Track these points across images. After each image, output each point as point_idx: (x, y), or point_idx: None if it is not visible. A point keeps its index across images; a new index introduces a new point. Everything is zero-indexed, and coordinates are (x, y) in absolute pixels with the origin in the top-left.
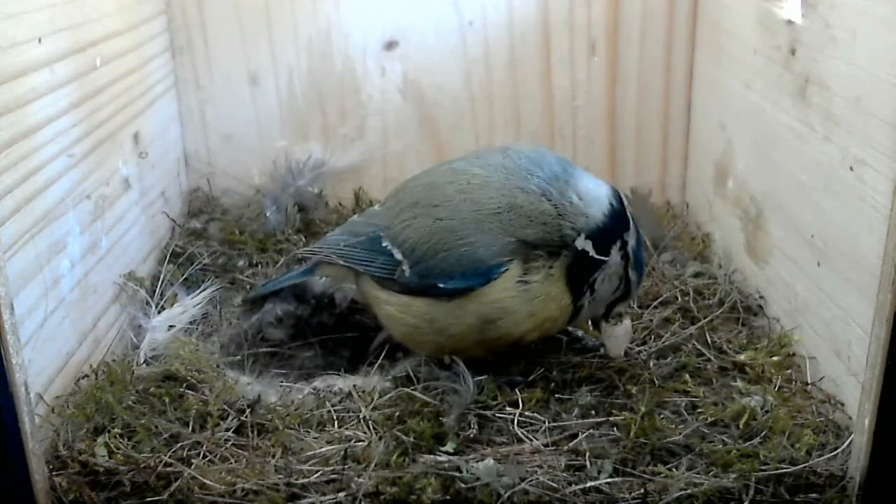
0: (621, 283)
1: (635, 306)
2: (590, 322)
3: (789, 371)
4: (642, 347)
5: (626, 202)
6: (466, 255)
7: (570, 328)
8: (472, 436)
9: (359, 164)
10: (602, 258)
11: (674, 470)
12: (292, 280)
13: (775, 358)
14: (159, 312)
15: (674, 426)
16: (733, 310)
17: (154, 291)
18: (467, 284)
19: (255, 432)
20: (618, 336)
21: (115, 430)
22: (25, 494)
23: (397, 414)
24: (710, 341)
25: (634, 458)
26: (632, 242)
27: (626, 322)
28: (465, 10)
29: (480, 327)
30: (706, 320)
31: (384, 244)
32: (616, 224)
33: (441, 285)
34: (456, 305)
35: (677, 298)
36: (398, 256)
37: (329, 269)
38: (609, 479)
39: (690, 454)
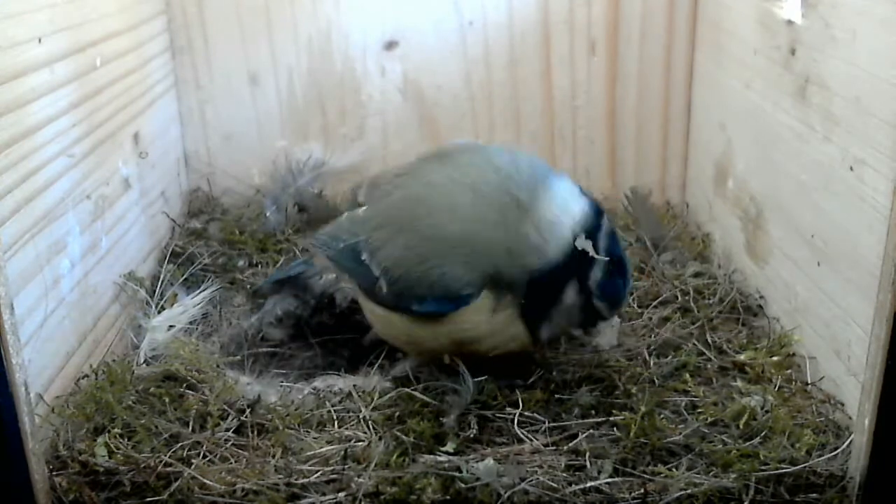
0: (585, 314)
1: (635, 305)
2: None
3: (789, 371)
4: (641, 345)
5: (600, 234)
6: (438, 283)
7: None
8: (472, 436)
9: (359, 164)
10: (555, 293)
11: (674, 470)
12: (299, 268)
13: (775, 358)
14: (159, 312)
15: (674, 426)
16: (733, 310)
17: (154, 291)
18: (439, 309)
19: (255, 432)
20: (604, 333)
21: (115, 430)
22: (25, 494)
23: (397, 414)
24: (710, 341)
25: (634, 458)
26: (596, 276)
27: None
28: (465, 10)
29: (454, 346)
30: (706, 320)
31: (363, 258)
32: (572, 263)
33: (415, 308)
34: (431, 326)
35: (677, 298)
36: (376, 272)
37: (328, 262)
38: (609, 479)
39: (690, 454)
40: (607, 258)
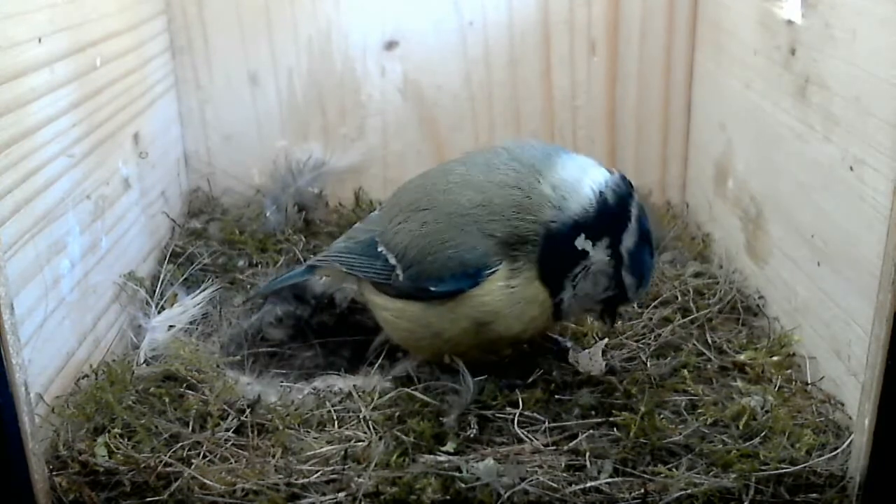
0: (612, 284)
1: (635, 305)
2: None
3: (789, 371)
4: (641, 345)
5: (632, 201)
6: (454, 258)
7: (556, 336)
8: (472, 436)
9: (359, 164)
10: (581, 251)
11: (674, 470)
12: (294, 279)
13: (775, 358)
14: (159, 312)
15: (674, 426)
16: (733, 310)
17: (154, 291)
18: (457, 287)
19: (255, 432)
20: (584, 361)
21: (115, 430)
22: (25, 494)
23: (397, 414)
24: (709, 341)
25: (634, 458)
26: (628, 243)
27: (594, 347)
28: (465, 10)
29: (475, 330)
30: (706, 320)
31: (379, 249)
32: (601, 219)
33: (432, 288)
34: (448, 309)
35: (677, 298)
36: (392, 261)
37: (329, 270)
38: (609, 479)
39: (690, 454)
40: (641, 226)
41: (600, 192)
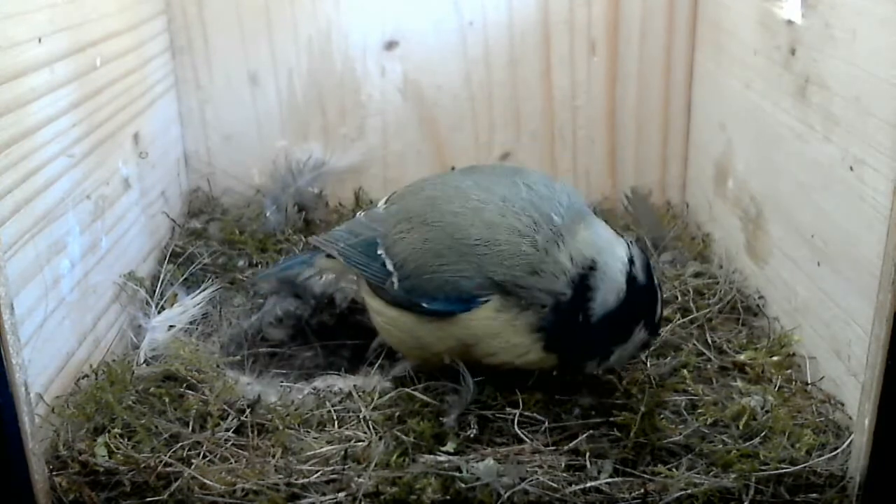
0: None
1: None
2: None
3: (789, 371)
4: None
5: (648, 273)
6: (451, 282)
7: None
8: (472, 436)
9: (359, 164)
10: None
11: (674, 470)
12: (300, 265)
13: (775, 358)
14: (159, 312)
15: (674, 426)
16: (733, 310)
17: (154, 291)
18: (449, 309)
19: (255, 432)
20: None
21: (115, 430)
22: (25, 494)
23: (397, 414)
24: (710, 341)
25: (634, 458)
26: (657, 312)
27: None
28: (465, 10)
29: (461, 349)
30: (706, 320)
31: (379, 251)
32: (636, 302)
33: (425, 305)
34: (437, 327)
35: (677, 298)
36: (390, 267)
37: (329, 263)
38: (609, 479)
39: (690, 454)
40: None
41: (629, 275)
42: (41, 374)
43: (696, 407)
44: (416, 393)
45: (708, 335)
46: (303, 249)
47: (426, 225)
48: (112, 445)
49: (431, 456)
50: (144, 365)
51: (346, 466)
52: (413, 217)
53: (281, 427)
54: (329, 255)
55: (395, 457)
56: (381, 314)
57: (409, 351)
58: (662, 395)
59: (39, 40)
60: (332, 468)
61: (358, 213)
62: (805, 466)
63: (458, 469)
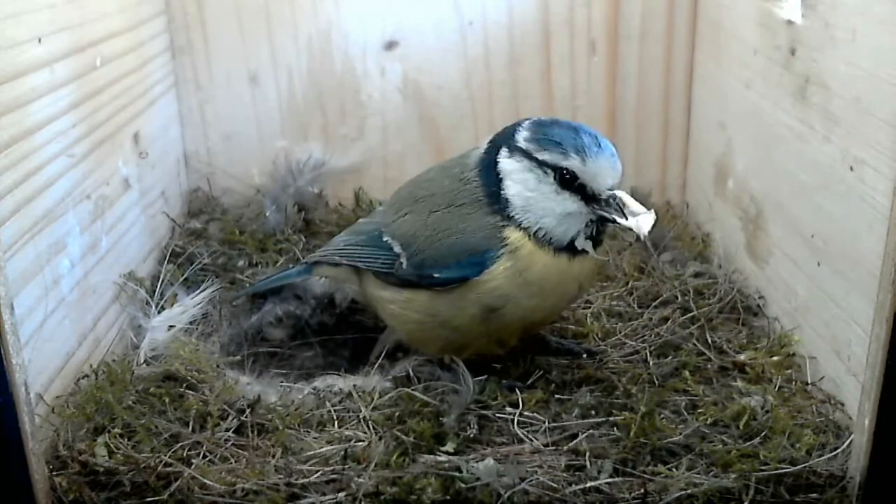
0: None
1: (635, 305)
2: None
3: (789, 371)
4: (641, 345)
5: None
6: (459, 244)
7: (552, 337)
8: (472, 436)
9: (359, 164)
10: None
11: (674, 470)
12: (288, 279)
13: (775, 358)
14: (159, 312)
15: (674, 426)
16: (733, 310)
17: (154, 291)
18: (462, 274)
19: (255, 432)
20: (639, 217)
21: (115, 430)
22: (25, 494)
23: (397, 414)
24: (710, 341)
25: (634, 458)
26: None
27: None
28: (465, 10)
29: (484, 317)
30: (706, 320)
31: (385, 238)
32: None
33: (436, 275)
34: (456, 296)
35: (677, 298)
36: (397, 249)
37: (327, 270)
38: (609, 479)
39: (690, 454)
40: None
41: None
42: (41, 374)
43: (697, 407)
44: (416, 393)
45: (708, 335)
46: (303, 250)
47: (427, 199)
48: (112, 445)
49: (431, 456)
50: (144, 365)
51: (346, 466)
52: (412, 198)
53: (281, 427)
54: (326, 263)
55: (395, 457)
56: (394, 301)
57: (426, 335)
58: (662, 395)
59: (39, 40)
60: (332, 468)
61: (359, 220)
62: (805, 466)
63: (458, 469)
